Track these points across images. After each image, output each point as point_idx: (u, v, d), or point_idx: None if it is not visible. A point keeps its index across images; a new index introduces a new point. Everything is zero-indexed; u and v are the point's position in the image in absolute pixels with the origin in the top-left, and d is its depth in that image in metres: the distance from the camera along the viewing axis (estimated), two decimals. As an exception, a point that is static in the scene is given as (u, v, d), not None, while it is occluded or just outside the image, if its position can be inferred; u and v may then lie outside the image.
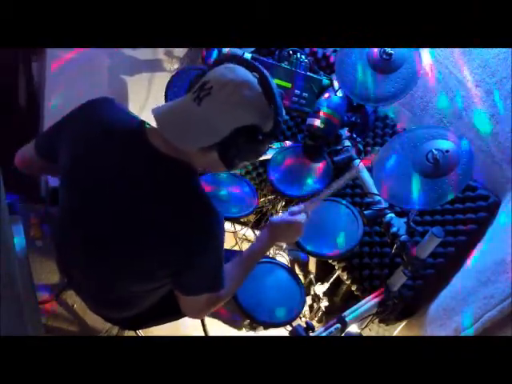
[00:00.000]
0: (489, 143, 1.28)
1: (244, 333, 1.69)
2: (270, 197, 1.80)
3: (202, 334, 1.43)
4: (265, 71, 0.87)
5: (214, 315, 1.66)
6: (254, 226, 1.90)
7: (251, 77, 0.86)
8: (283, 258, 1.90)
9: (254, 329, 1.68)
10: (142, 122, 0.90)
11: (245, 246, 1.90)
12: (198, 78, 0.89)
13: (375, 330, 1.57)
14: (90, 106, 0.95)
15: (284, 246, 1.95)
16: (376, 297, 1.28)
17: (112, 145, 0.88)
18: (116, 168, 0.87)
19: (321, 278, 1.81)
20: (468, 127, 1.35)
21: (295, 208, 1.09)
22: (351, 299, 1.51)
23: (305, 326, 1.16)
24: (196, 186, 0.89)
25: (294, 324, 1.17)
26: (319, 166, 1.49)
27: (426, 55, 1.45)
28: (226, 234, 1.96)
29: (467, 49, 1.33)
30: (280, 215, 1.09)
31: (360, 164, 1.41)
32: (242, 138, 0.84)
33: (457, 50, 1.36)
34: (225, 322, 1.68)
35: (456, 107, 1.40)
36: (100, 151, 0.88)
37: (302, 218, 1.06)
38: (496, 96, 1.25)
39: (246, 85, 0.84)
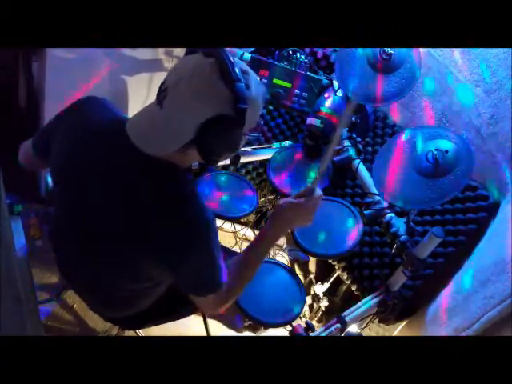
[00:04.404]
0: (489, 143, 1.28)
1: (244, 333, 1.69)
2: (269, 197, 1.80)
3: (202, 334, 1.43)
4: (223, 54, 0.79)
5: (215, 317, 1.66)
6: (254, 225, 1.91)
7: (204, 64, 0.79)
8: (283, 258, 1.90)
9: (254, 330, 1.68)
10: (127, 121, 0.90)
11: (245, 246, 1.89)
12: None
13: (375, 330, 1.57)
14: (79, 105, 0.95)
15: (284, 245, 1.95)
16: (376, 297, 1.28)
17: (99, 144, 0.88)
18: (103, 168, 0.87)
19: (321, 278, 1.81)
20: (468, 127, 1.35)
21: (302, 190, 0.99)
22: (351, 299, 1.51)
23: (305, 325, 1.16)
24: (182, 184, 0.88)
25: (294, 324, 1.17)
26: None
27: (425, 54, 1.45)
28: (226, 234, 1.96)
29: (467, 49, 1.33)
30: (286, 200, 0.99)
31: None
32: (212, 132, 0.80)
33: (457, 50, 1.36)
34: (225, 322, 1.68)
35: (456, 107, 1.40)
36: (88, 151, 0.89)
37: (313, 199, 0.98)
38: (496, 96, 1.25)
39: (197, 75, 0.79)
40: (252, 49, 1.60)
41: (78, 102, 0.96)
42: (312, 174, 1.47)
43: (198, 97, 0.79)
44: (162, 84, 0.83)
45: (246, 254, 1.01)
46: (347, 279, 1.51)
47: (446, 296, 1.30)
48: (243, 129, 0.82)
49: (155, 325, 1.20)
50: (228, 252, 1.29)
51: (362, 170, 1.45)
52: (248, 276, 1.00)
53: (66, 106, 0.97)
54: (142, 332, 1.45)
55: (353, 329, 1.25)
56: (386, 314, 1.28)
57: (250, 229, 1.93)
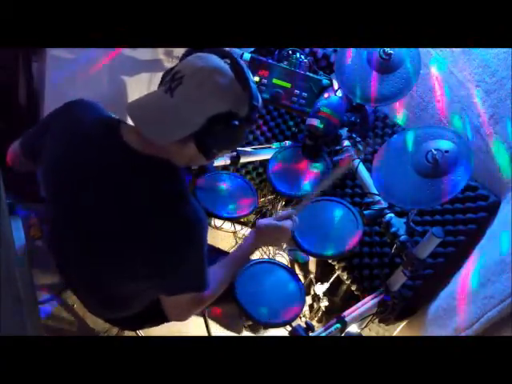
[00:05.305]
0: (489, 143, 1.28)
1: (244, 333, 1.69)
2: (269, 197, 1.80)
3: (202, 334, 1.43)
4: (237, 57, 0.86)
5: (214, 316, 1.66)
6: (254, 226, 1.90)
7: (222, 63, 0.85)
8: (283, 258, 1.90)
9: (254, 330, 1.68)
10: (119, 122, 0.90)
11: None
12: (169, 71, 0.88)
13: (375, 330, 1.57)
14: (68, 108, 0.95)
15: (284, 245, 1.95)
16: (376, 297, 1.28)
17: (90, 147, 0.88)
18: (96, 170, 0.87)
19: (321, 278, 1.81)
20: (468, 127, 1.35)
21: (283, 213, 1.11)
22: (351, 299, 1.51)
23: (305, 326, 1.16)
24: (175, 184, 0.88)
25: (294, 324, 1.17)
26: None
27: (426, 56, 1.45)
28: (226, 234, 1.96)
29: (467, 49, 1.33)
30: (267, 219, 1.11)
31: (347, 162, 1.42)
32: (218, 126, 0.83)
33: (457, 50, 1.36)
34: (225, 322, 1.68)
35: (456, 107, 1.40)
36: (79, 154, 0.89)
37: (288, 223, 1.08)
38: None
39: (218, 71, 0.83)
40: (252, 49, 1.60)
41: (67, 106, 0.96)
42: (310, 177, 1.48)
43: (215, 92, 0.82)
44: (176, 73, 0.84)
45: (225, 265, 1.06)
46: (347, 279, 1.51)
47: (446, 296, 1.30)
48: (252, 125, 0.88)
49: (155, 325, 1.20)
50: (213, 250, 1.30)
51: (362, 170, 1.45)
52: (225, 284, 1.05)
53: (55, 110, 0.97)
54: (141, 332, 1.45)
55: (353, 329, 1.25)
56: (385, 313, 1.28)
57: (249, 229, 1.93)
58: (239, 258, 1.10)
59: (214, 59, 0.86)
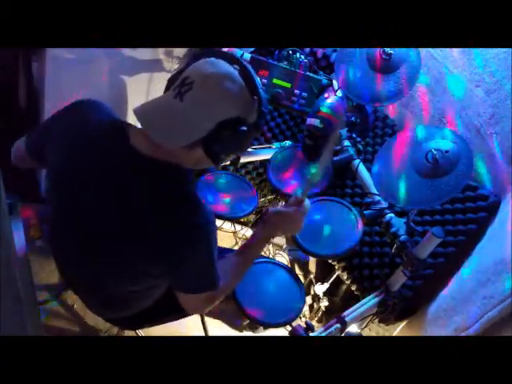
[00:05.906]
0: (489, 143, 1.28)
1: (244, 333, 1.69)
2: (269, 197, 1.80)
3: (202, 333, 1.43)
4: (245, 63, 0.87)
5: (214, 315, 1.66)
6: (254, 226, 1.91)
7: (232, 69, 0.86)
8: (283, 258, 1.90)
9: (253, 329, 1.68)
10: (126, 125, 0.90)
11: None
12: (176, 75, 0.89)
13: (375, 330, 1.57)
14: (74, 108, 0.95)
15: (284, 245, 1.95)
16: (376, 297, 1.28)
17: (93, 148, 0.88)
18: (98, 171, 0.87)
19: (321, 278, 1.81)
20: (468, 127, 1.35)
21: (292, 199, 1.06)
22: (351, 299, 1.51)
23: (305, 326, 1.16)
24: (182, 186, 0.88)
25: (294, 324, 1.17)
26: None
27: (425, 55, 1.45)
28: (226, 234, 1.96)
29: (467, 49, 1.33)
30: (275, 208, 1.07)
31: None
32: (226, 132, 0.83)
33: (457, 50, 1.36)
34: (225, 322, 1.68)
35: (456, 107, 1.40)
36: (83, 155, 0.88)
37: (301, 208, 1.04)
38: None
39: (228, 77, 0.84)
40: (252, 49, 1.60)
41: (72, 106, 0.96)
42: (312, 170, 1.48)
43: (225, 98, 0.83)
44: (186, 78, 0.84)
45: (237, 257, 1.05)
46: (347, 279, 1.51)
47: (445, 296, 1.30)
48: (259, 130, 0.90)
49: (155, 325, 1.21)
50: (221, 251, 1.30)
51: (362, 170, 1.45)
52: (238, 277, 1.04)
53: (61, 109, 0.96)
54: (141, 332, 1.45)
55: (353, 329, 1.25)
56: (385, 313, 1.28)
57: (249, 229, 1.93)
58: (252, 250, 1.06)
59: (224, 65, 0.86)
